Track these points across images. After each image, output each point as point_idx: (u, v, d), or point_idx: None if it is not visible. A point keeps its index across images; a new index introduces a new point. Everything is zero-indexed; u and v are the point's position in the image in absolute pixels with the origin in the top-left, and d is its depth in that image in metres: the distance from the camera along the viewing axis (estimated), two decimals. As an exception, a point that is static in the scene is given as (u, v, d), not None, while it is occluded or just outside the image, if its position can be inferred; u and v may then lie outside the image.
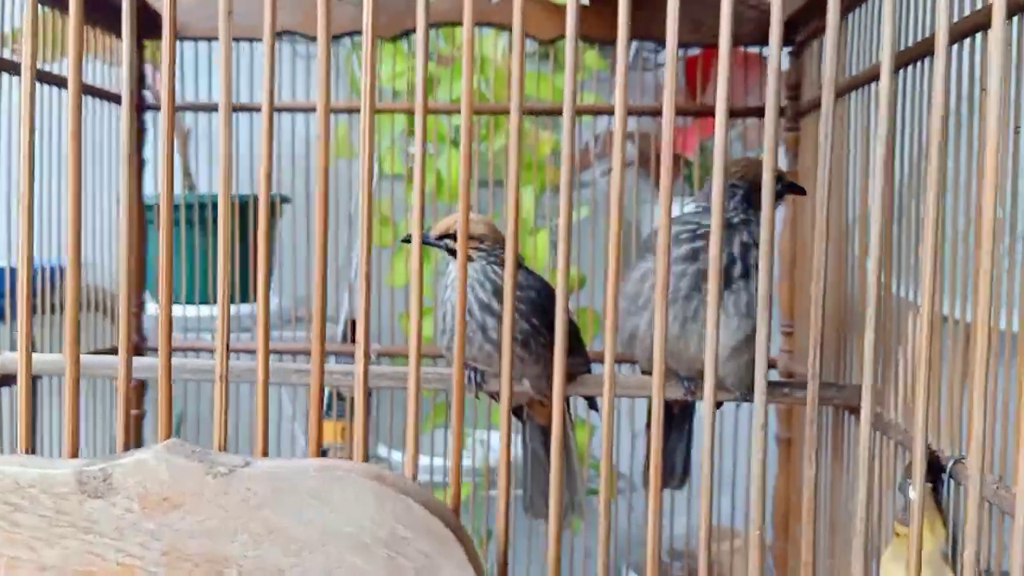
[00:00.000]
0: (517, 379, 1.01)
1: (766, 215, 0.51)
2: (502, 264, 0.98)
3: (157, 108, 1.31)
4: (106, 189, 1.21)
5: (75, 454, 0.48)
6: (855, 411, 1.01)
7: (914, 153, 0.91)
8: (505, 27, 1.28)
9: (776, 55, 0.49)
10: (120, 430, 0.48)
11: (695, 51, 1.46)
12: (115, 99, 1.23)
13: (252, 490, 0.46)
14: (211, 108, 1.32)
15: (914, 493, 0.48)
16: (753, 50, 1.42)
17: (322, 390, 0.48)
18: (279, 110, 1.32)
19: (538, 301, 0.98)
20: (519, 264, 1.02)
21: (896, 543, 0.85)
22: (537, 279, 1.02)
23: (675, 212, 1.38)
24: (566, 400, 1.10)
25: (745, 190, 0.94)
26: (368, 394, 1.43)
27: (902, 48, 0.93)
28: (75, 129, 0.52)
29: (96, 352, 1.21)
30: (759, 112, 1.34)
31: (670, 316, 0.92)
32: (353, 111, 1.34)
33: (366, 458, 0.48)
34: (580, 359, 1.04)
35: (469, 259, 0.98)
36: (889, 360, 0.95)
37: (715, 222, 0.52)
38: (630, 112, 1.43)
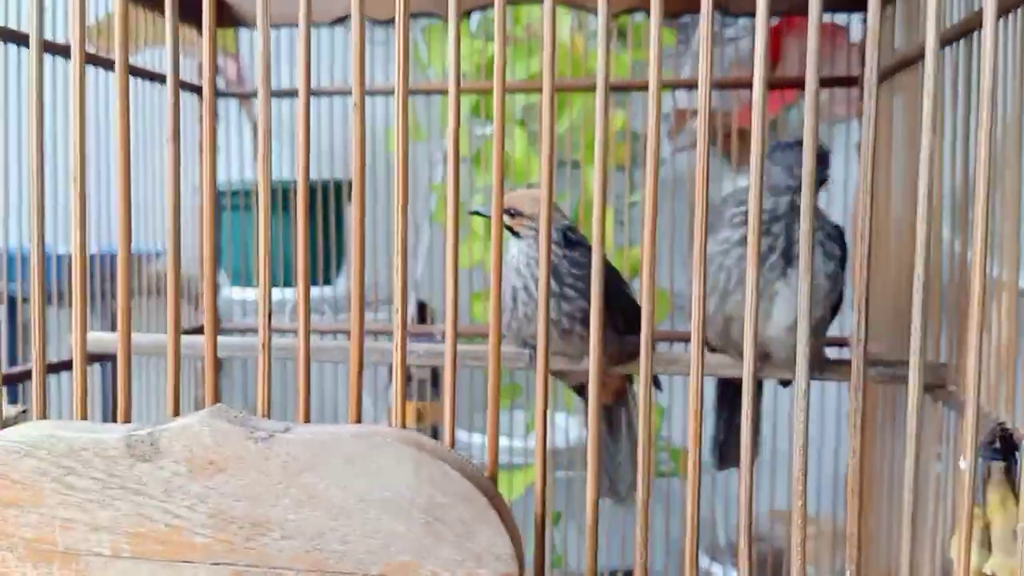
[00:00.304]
0: (577, 357, 1.01)
1: (806, 200, 0.50)
2: (559, 243, 0.97)
3: (229, 95, 1.34)
4: (182, 176, 1.25)
5: (128, 420, 0.50)
6: (931, 390, 0.98)
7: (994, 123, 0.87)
8: (567, 4, 1.27)
9: (815, 18, 0.48)
10: (170, 398, 0.50)
11: (772, 21, 1.43)
12: (188, 87, 1.27)
13: (292, 455, 0.47)
14: (283, 94, 1.35)
15: (965, 464, 0.47)
16: (825, 19, 1.37)
17: (361, 363, 0.49)
18: (345, 93, 1.34)
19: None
20: (580, 243, 1.01)
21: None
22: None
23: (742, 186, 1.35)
24: (628, 379, 1.10)
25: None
26: (434, 373, 1.42)
27: (976, 10, 0.89)
28: (124, 120, 0.53)
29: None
30: (834, 82, 1.30)
31: (736, 296, 0.90)
32: (417, 93, 1.35)
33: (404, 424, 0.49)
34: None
35: (518, 235, 0.98)
36: (964, 334, 0.92)
37: (753, 203, 0.51)
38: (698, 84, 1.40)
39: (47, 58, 1.08)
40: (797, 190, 0.89)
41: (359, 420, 0.50)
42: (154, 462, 0.47)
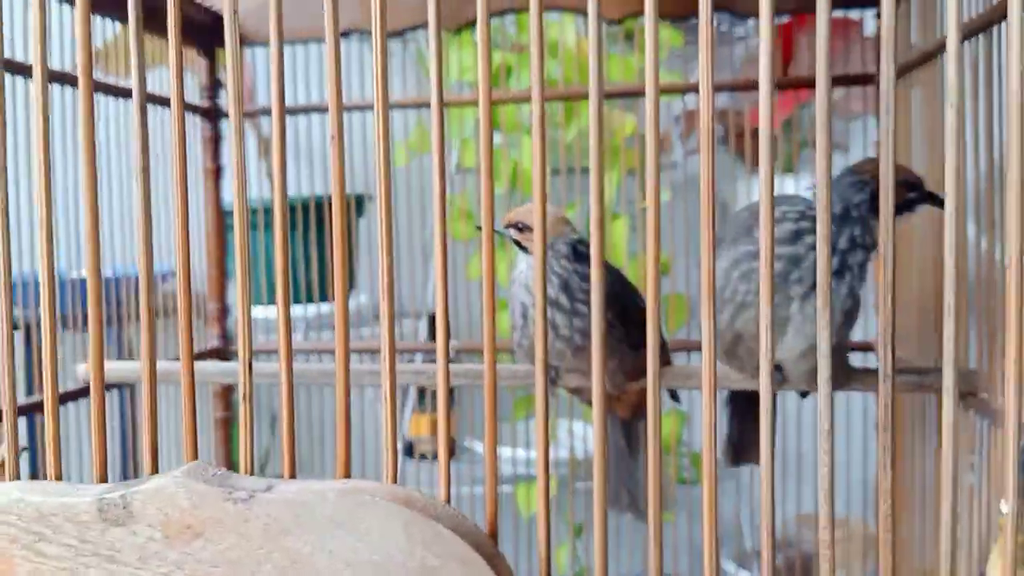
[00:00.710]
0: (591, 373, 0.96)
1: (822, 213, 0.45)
2: (569, 258, 0.93)
3: (232, 114, 1.30)
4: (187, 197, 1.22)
5: (103, 478, 0.46)
6: (962, 398, 0.92)
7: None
8: (571, 10, 1.22)
9: (824, 23, 0.43)
10: (147, 451, 0.46)
11: (783, 19, 1.37)
12: (191, 108, 1.23)
13: (273, 516, 0.42)
14: (292, 112, 1.31)
15: (1006, 507, 0.42)
16: (839, 14, 1.32)
17: (348, 406, 0.45)
18: (351, 109, 1.30)
19: (610, 293, 0.93)
20: (590, 257, 0.97)
21: (1003, 539, 0.77)
22: (610, 270, 0.97)
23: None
24: (646, 395, 1.05)
25: (875, 188, 0.85)
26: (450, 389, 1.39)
27: (995, 3, 0.83)
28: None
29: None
30: (849, 80, 1.24)
31: (752, 314, 0.85)
32: (423, 105, 1.31)
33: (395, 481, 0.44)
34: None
35: (527, 250, 0.94)
36: (995, 338, 0.87)
37: (765, 224, 0.46)
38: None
39: (54, 86, 1.06)
40: (850, 222, 0.83)
41: (348, 474, 0.46)
42: (127, 527, 0.43)
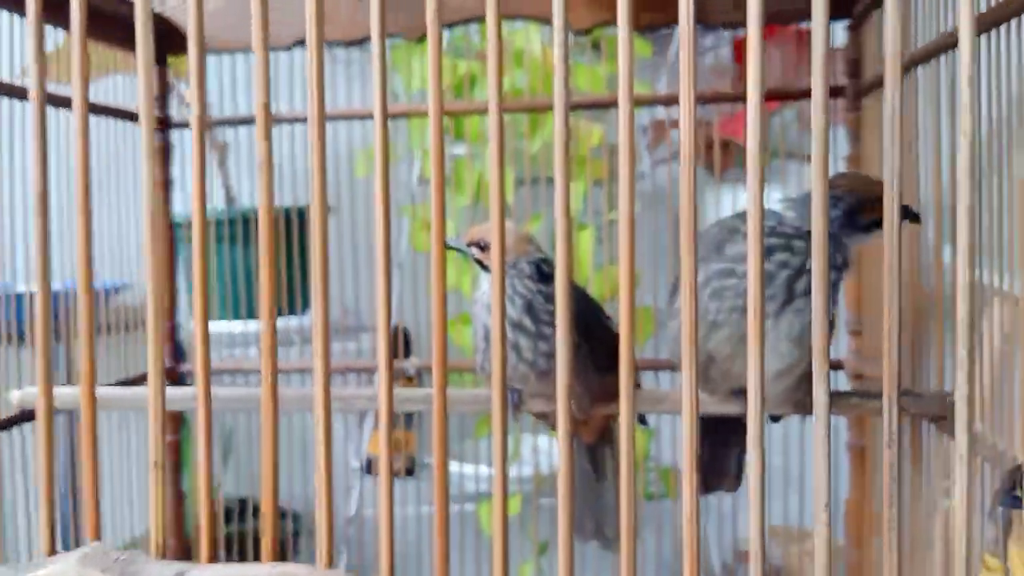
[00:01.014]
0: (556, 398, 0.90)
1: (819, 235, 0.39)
2: (533, 278, 0.87)
3: (184, 125, 1.23)
4: (134, 210, 1.15)
5: (-8, 561, 0.39)
6: (935, 420, 0.87)
7: (992, 125, 0.77)
8: (537, 19, 1.16)
9: (821, 32, 0.37)
10: (42, 528, 0.38)
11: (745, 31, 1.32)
12: (136, 118, 1.15)
13: (184, 613, 0.36)
14: (241, 122, 1.24)
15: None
16: (806, 26, 1.27)
17: (275, 471, 0.38)
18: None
19: (575, 312, 0.86)
20: (552, 275, 0.91)
21: (985, 576, 0.72)
22: (574, 288, 0.90)
23: (730, 199, 1.24)
24: (612, 415, 0.99)
25: (848, 204, 0.80)
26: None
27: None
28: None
29: (136, 378, 1.14)
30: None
31: (723, 334, 0.79)
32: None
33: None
34: (625, 374, 0.92)
35: (489, 270, 0.87)
36: (973, 360, 0.81)
37: (753, 233, 0.40)
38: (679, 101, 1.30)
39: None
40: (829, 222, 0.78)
41: (278, 555, 0.39)
42: (14, 624, 0.36)
